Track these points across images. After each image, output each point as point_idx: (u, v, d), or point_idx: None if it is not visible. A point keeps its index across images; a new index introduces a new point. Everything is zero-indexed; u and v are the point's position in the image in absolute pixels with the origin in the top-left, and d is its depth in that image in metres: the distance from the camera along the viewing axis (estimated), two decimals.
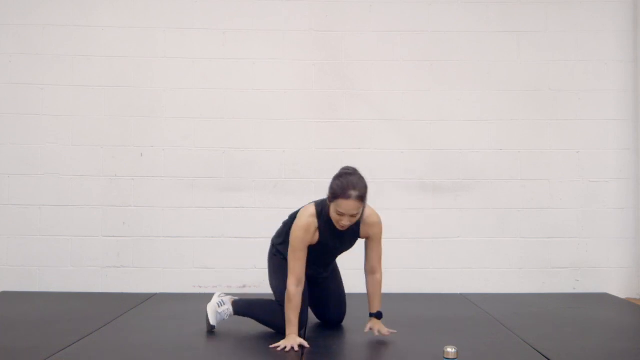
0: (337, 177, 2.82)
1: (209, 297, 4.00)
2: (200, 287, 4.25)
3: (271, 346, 2.72)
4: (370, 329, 2.94)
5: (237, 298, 3.20)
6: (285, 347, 2.68)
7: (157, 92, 4.32)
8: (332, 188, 2.80)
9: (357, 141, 4.34)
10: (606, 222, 4.34)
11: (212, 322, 3.03)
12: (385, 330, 2.92)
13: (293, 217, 3.02)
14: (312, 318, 3.38)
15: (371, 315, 2.97)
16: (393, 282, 4.25)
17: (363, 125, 4.34)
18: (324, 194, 4.18)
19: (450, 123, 4.35)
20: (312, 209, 2.91)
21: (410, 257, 4.30)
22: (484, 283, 4.30)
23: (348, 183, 2.75)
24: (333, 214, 2.81)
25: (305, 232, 2.85)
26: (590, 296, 4.14)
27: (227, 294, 3.23)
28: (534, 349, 2.76)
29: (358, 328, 3.12)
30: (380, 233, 3.00)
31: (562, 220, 4.33)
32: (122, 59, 4.32)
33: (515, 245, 4.32)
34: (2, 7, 4.30)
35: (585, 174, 4.36)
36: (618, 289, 4.30)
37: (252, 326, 3.17)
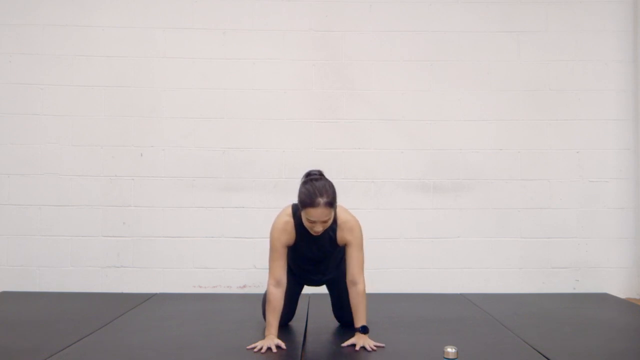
0: (303, 184, 2.78)
1: (209, 297, 4.03)
2: (200, 287, 4.26)
3: (247, 347, 2.71)
4: (354, 345, 2.74)
5: None
6: (262, 348, 2.66)
7: (157, 92, 4.32)
8: (299, 196, 2.76)
9: (357, 141, 4.34)
10: (606, 222, 4.34)
11: None
12: (370, 345, 2.72)
13: None
14: (312, 317, 3.38)
15: (356, 329, 2.80)
16: (393, 282, 4.26)
17: (363, 125, 4.34)
18: None
19: (450, 123, 4.35)
20: (289, 210, 2.91)
21: (410, 257, 4.30)
22: (484, 283, 4.30)
23: (315, 190, 2.71)
24: (305, 222, 2.79)
25: (281, 232, 2.86)
26: (590, 296, 4.14)
27: None
28: (534, 349, 2.76)
29: None
30: (360, 239, 2.91)
31: (562, 220, 4.33)
32: (122, 59, 4.32)
33: (515, 245, 4.32)
34: (2, 7, 4.30)
35: (585, 174, 4.36)
36: (618, 289, 4.30)
37: (251, 326, 3.17)
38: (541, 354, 2.68)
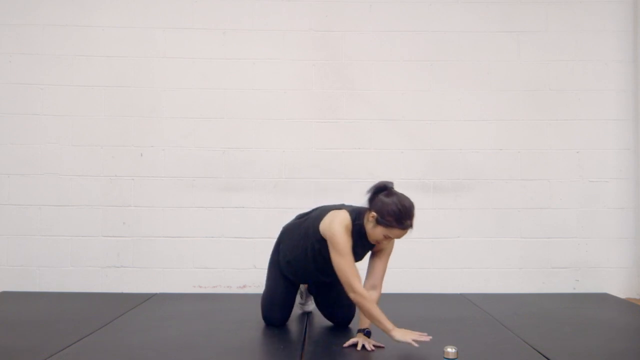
0: (388, 199, 2.70)
1: (209, 297, 4.03)
2: (200, 287, 4.25)
3: (415, 344, 2.64)
4: (355, 344, 2.75)
5: None
6: (412, 341, 2.65)
7: (157, 92, 4.32)
8: (386, 213, 2.68)
9: (357, 141, 4.34)
10: (606, 222, 4.34)
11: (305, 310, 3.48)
12: (370, 345, 2.73)
13: (303, 223, 3.04)
14: (312, 317, 3.38)
15: (360, 331, 2.82)
16: (393, 282, 4.25)
17: (363, 125, 4.34)
18: (324, 194, 4.24)
19: (450, 123, 4.35)
20: (347, 216, 2.83)
21: (410, 257, 4.30)
22: (484, 283, 4.30)
23: (407, 213, 2.68)
24: (377, 234, 2.75)
25: (348, 237, 2.78)
26: (590, 296, 4.14)
27: None
28: (534, 349, 2.76)
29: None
30: (392, 248, 2.95)
31: (562, 220, 4.33)
32: (122, 59, 4.32)
33: (515, 245, 4.32)
34: (2, 7, 4.30)
35: (585, 174, 4.36)
36: (618, 289, 4.30)
37: (251, 326, 3.17)
38: (541, 354, 2.68)
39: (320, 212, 2.97)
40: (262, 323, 3.20)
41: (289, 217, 4.10)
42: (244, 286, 4.26)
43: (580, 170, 4.36)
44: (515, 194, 4.34)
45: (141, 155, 4.30)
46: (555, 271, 4.32)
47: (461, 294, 4.17)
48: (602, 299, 4.04)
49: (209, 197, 4.29)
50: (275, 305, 3.14)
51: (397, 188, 4.31)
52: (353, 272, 2.75)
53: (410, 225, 2.71)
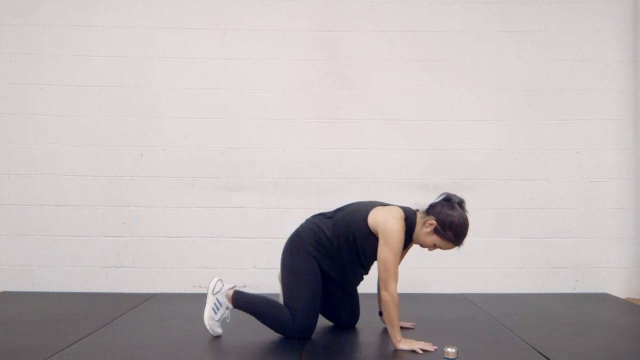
0: (453, 211, 2.75)
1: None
2: (200, 287, 4.25)
3: (420, 351, 2.67)
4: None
5: (234, 289, 3.03)
6: (418, 350, 2.68)
7: (157, 92, 4.32)
8: (448, 225, 2.73)
9: (357, 141, 4.34)
10: (606, 222, 4.34)
11: (216, 332, 2.94)
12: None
13: (341, 216, 2.94)
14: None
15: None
16: None
17: (363, 125, 4.34)
18: (324, 194, 4.24)
19: (450, 123, 4.35)
20: (402, 214, 2.83)
21: (410, 257, 4.28)
22: (484, 283, 4.30)
23: (466, 231, 2.75)
24: (429, 241, 2.80)
25: (403, 236, 2.79)
26: (590, 296, 4.14)
27: (222, 287, 3.01)
28: (534, 349, 2.76)
29: (357, 328, 3.13)
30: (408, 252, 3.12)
31: (562, 220, 4.33)
32: (122, 59, 4.32)
33: (515, 245, 4.32)
34: (2, 7, 4.30)
35: (585, 174, 4.36)
36: (618, 289, 4.30)
37: (252, 326, 3.17)
38: (541, 354, 2.68)
39: (362, 206, 2.92)
40: (261, 323, 3.19)
41: (289, 217, 4.13)
42: (244, 286, 4.26)
43: (580, 170, 4.36)
44: (515, 194, 4.34)
45: (141, 155, 4.30)
46: (555, 271, 4.32)
47: (461, 294, 4.17)
48: (602, 299, 4.04)
49: (209, 197, 4.29)
50: (317, 312, 2.95)
51: (397, 188, 4.35)
52: (395, 270, 2.78)
53: (463, 244, 2.78)
